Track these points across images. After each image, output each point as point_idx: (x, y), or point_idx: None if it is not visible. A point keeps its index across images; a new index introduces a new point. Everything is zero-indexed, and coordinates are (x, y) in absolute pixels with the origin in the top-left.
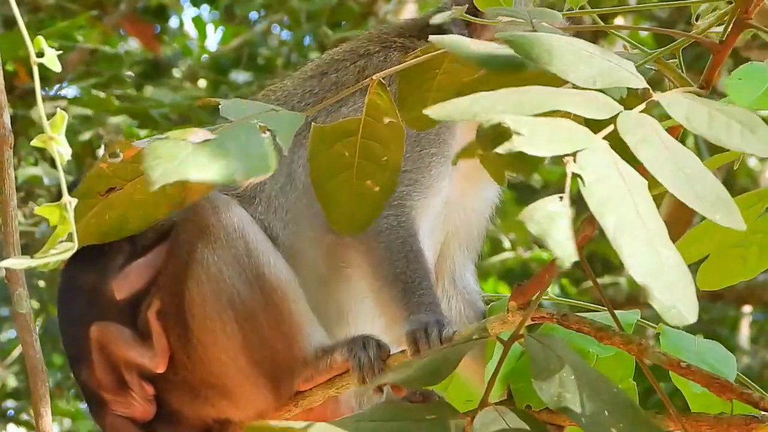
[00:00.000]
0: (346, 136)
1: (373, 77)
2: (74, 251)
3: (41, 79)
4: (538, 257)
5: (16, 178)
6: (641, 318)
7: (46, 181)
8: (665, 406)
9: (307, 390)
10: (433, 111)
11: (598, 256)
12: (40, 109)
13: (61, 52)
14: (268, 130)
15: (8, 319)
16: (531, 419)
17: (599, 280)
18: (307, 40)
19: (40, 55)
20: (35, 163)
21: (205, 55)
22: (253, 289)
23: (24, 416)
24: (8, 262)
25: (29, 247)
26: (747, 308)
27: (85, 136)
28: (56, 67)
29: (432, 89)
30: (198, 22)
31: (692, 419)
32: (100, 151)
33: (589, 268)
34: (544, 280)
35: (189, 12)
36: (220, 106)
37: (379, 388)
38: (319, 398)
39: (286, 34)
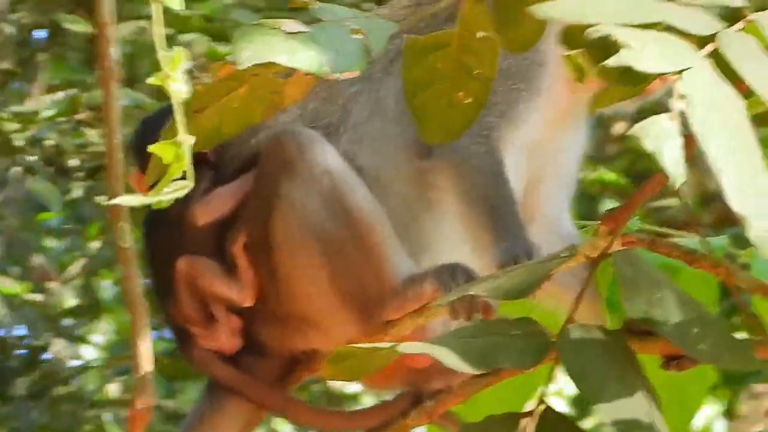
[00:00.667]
0: (440, 48)
1: None
2: None
3: None
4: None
5: (93, 97)
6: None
7: (125, 101)
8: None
9: (396, 319)
10: (540, 9)
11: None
12: (157, 40)
13: None
14: (361, 33)
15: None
16: (617, 337)
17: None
18: None
19: None
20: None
21: None
22: (338, 223)
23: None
24: (123, 199)
25: None
26: None
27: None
28: (177, 4)
29: (528, 8)
30: None
31: None
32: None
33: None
34: (634, 205)
35: None
36: (312, 6)
37: (470, 316)
38: (408, 327)
39: None
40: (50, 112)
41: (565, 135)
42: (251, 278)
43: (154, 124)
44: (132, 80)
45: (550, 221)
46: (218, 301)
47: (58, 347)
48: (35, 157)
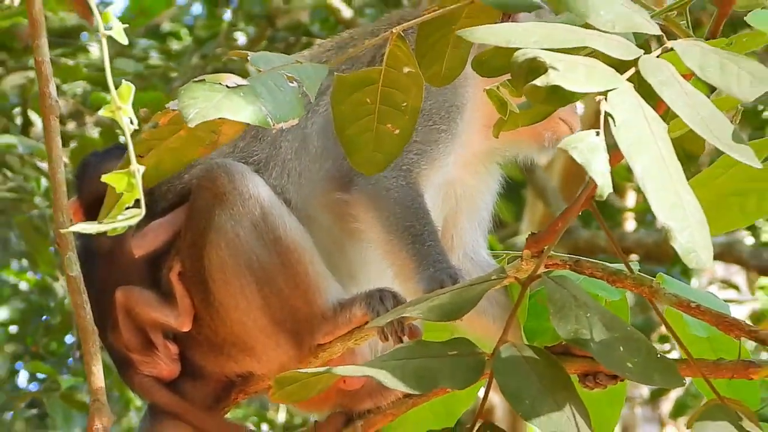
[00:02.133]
0: (368, 84)
1: (393, 30)
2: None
3: (7, 50)
4: None
5: None
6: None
7: (20, 148)
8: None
9: (327, 343)
10: (466, 32)
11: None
12: (110, 81)
13: (127, 25)
14: (295, 80)
15: None
16: (545, 355)
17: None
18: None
19: (108, 28)
20: (7, 131)
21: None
22: (270, 252)
23: None
24: (79, 227)
25: (5, 213)
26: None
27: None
28: (123, 39)
29: (448, 45)
30: None
31: (695, 364)
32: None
33: (600, 215)
34: (557, 228)
35: None
36: (249, 57)
37: (399, 338)
38: (338, 350)
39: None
40: None
41: (478, 176)
42: (188, 305)
43: (95, 159)
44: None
45: (467, 252)
46: (156, 327)
47: None
48: None
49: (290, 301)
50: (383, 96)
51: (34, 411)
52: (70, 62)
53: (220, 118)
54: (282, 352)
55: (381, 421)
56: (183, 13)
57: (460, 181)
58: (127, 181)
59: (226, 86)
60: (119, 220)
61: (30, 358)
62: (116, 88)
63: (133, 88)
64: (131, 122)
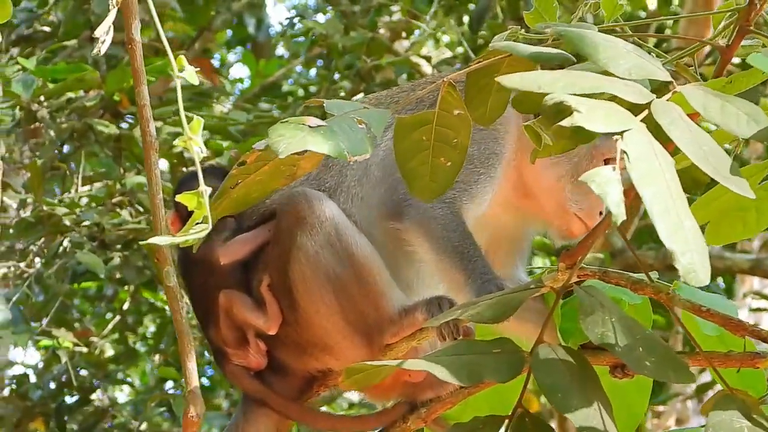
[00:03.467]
0: (424, 124)
1: (445, 78)
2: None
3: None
4: None
5: (123, 185)
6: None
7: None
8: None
9: (393, 343)
10: (505, 79)
11: None
12: (182, 114)
13: (198, 69)
14: (363, 122)
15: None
16: (576, 354)
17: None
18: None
19: (181, 70)
20: (138, 173)
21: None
22: (344, 266)
23: (119, 375)
24: (154, 239)
25: (137, 242)
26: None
27: (178, 149)
28: (194, 80)
29: (493, 90)
30: (247, 58)
31: (707, 356)
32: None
33: (625, 236)
34: (588, 244)
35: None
36: (325, 104)
37: (454, 338)
38: (403, 349)
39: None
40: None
41: (515, 214)
42: (276, 312)
43: (190, 177)
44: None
45: (506, 273)
46: (249, 327)
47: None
48: (80, 235)
49: (362, 308)
50: (437, 134)
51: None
52: (195, 116)
53: (299, 154)
54: (356, 351)
55: (441, 408)
56: (302, 76)
57: (497, 217)
58: (196, 201)
59: (308, 126)
60: (190, 233)
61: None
62: (232, 134)
63: (202, 122)
64: (201, 151)
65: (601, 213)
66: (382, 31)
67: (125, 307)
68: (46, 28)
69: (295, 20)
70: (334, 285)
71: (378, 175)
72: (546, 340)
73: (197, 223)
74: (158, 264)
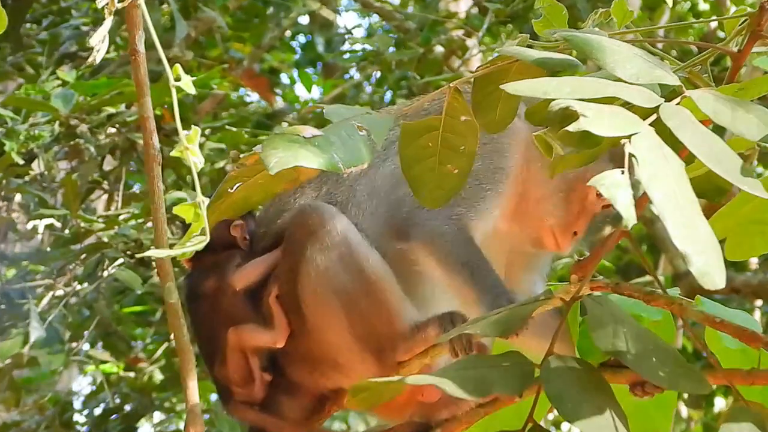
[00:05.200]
0: (430, 130)
1: (450, 84)
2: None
3: (181, 120)
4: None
5: (165, 201)
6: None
7: (188, 201)
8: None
9: (406, 360)
10: (510, 86)
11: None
12: (178, 125)
13: (194, 78)
14: (365, 129)
15: (152, 323)
16: (587, 365)
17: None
18: (388, 96)
19: (177, 79)
20: (180, 189)
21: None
22: (355, 281)
23: (166, 404)
24: (151, 252)
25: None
26: (759, 302)
27: (220, 164)
28: (191, 89)
29: (500, 97)
30: (304, 77)
31: (727, 373)
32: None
33: (638, 245)
34: (599, 255)
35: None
36: (324, 110)
37: (467, 354)
38: (416, 366)
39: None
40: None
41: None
42: (284, 323)
43: None
44: None
45: (525, 290)
46: (255, 356)
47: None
48: (116, 250)
49: (373, 324)
50: (443, 141)
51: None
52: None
53: None
54: (367, 368)
55: (457, 429)
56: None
57: (509, 231)
58: (193, 212)
59: (303, 137)
60: (188, 245)
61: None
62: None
63: (199, 131)
64: (198, 161)
65: (575, 233)
66: (436, 48)
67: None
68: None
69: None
70: (345, 300)
71: (384, 191)
72: (562, 353)
73: (195, 236)
74: (161, 281)
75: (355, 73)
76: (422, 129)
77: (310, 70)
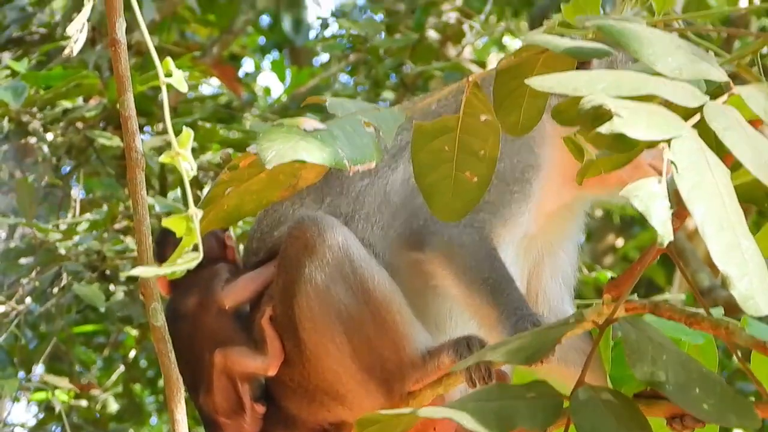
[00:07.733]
0: (446, 132)
1: (469, 78)
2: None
3: (146, 115)
4: (602, 277)
5: (128, 207)
6: None
7: (157, 208)
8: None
9: (417, 390)
10: (537, 81)
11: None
12: (169, 127)
13: (186, 73)
14: (372, 125)
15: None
16: (622, 397)
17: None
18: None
19: (168, 75)
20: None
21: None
22: (359, 303)
23: None
24: (138, 270)
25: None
26: None
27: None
28: (183, 87)
29: (525, 94)
30: (277, 65)
31: None
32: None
33: (678, 259)
34: (635, 273)
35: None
36: (327, 103)
37: (485, 383)
38: (428, 397)
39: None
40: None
41: (559, 231)
42: (277, 348)
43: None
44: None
45: (553, 308)
46: (245, 384)
47: None
48: (77, 263)
49: (380, 350)
50: (461, 143)
51: None
52: (208, 125)
53: (300, 162)
54: (373, 400)
55: None
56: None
57: (540, 237)
58: (185, 225)
59: (304, 130)
60: (178, 263)
61: None
62: None
63: (192, 134)
64: (190, 167)
65: None
66: (430, 33)
67: (132, 354)
68: (42, 30)
69: (330, 20)
70: (347, 323)
71: (397, 200)
72: (592, 383)
73: (187, 251)
74: (145, 301)
75: (325, 59)
76: (437, 130)
77: (275, 56)
